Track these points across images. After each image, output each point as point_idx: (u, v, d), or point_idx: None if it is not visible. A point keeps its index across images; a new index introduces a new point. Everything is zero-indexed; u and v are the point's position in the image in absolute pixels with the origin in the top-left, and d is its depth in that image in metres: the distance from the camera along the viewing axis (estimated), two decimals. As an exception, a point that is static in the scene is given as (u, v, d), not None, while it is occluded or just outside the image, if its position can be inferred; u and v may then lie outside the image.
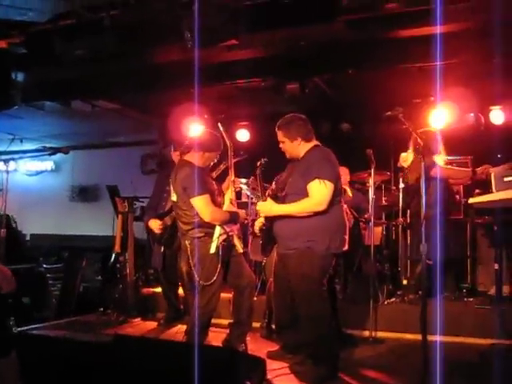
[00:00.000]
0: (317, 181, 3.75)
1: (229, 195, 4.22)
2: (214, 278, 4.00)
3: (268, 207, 3.98)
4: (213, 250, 4.01)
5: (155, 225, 5.18)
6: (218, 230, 4.04)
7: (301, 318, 3.90)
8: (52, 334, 4.20)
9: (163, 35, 4.89)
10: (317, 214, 3.78)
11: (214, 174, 4.86)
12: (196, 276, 4.06)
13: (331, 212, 3.83)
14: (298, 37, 5.04)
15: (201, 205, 3.99)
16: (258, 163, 4.49)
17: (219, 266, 4.03)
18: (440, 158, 5.35)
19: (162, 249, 5.39)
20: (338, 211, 3.93)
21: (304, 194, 3.81)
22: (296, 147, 4.00)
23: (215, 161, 4.42)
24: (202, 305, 4.10)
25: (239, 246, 4.27)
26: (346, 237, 3.97)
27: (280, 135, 4.05)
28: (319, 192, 3.75)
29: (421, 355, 3.11)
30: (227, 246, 4.07)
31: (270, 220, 4.04)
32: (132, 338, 3.79)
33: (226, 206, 4.19)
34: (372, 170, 5.25)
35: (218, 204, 4.17)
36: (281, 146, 4.09)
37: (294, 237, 3.86)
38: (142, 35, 4.98)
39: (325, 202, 3.76)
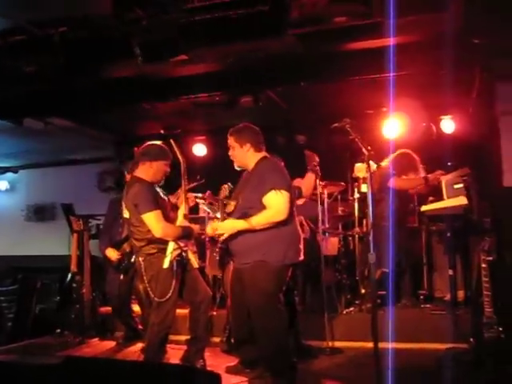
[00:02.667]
0: (273, 192, 3.77)
1: (182, 210, 4.18)
2: (169, 294, 3.96)
3: (230, 225, 3.93)
4: (166, 264, 3.97)
5: (113, 254, 5.14)
6: (171, 246, 4.01)
7: (257, 331, 3.89)
8: (2, 358, 4.07)
9: (114, 51, 4.85)
10: (274, 225, 3.80)
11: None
12: (151, 293, 4.01)
13: (286, 223, 3.85)
14: (249, 51, 5.07)
15: (152, 221, 3.95)
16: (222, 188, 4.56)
17: (173, 281, 3.99)
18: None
19: (122, 276, 5.26)
20: (292, 222, 3.95)
21: (259, 207, 3.82)
22: (245, 154, 4.02)
23: (167, 173, 4.32)
24: (158, 322, 4.05)
25: (194, 260, 4.25)
26: (301, 246, 3.98)
27: (231, 140, 4.08)
28: (277, 202, 3.78)
29: (374, 363, 3.12)
30: (181, 261, 4.04)
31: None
32: (84, 359, 3.71)
33: (179, 221, 4.16)
34: (308, 174, 5.16)
35: (170, 219, 4.12)
36: (230, 153, 4.11)
37: (248, 251, 3.86)
38: (92, 52, 4.92)
39: (285, 211, 3.79)
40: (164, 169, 4.27)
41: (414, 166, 5.69)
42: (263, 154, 4.10)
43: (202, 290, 4.31)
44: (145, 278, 4.06)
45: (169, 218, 4.10)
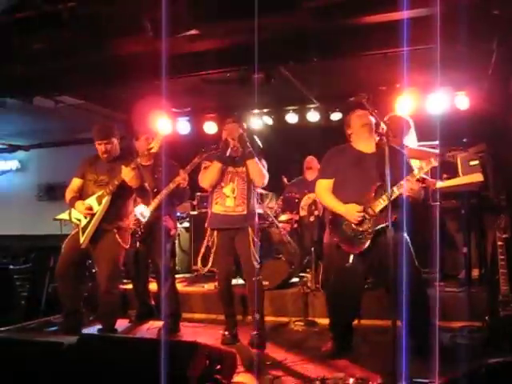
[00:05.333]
0: None
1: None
2: None
3: None
4: None
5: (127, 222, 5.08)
6: None
7: None
8: (17, 336, 4.10)
9: (123, 27, 4.78)
10: None
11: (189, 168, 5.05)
12: None
13: None
14: (261, 26, 4.97)
15: None
16: None
17: None
18: (411, 141, 5.35)
19: (138, 244, 5.26)
20: None
21: None
22: None
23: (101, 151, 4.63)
24: None
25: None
26: None
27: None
28: None
29: (390, 340, 3.11)
30: None
31: None
32: (97, 337, 3.72)
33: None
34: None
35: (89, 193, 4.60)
36: None
37: None
38: (101, 27, 4.86)
39: None
40: (97, 148, 4.63)
41: (401, 131, 5.50)
42: None
43: None
44: None
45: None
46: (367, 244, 3.89)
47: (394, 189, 3.72)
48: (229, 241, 4.53)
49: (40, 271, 6.26)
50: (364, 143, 4.14)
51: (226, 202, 4.52)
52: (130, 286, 5.91)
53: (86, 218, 4.56)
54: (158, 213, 5.04)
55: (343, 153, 4.21)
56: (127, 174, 4.39)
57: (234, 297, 4.74)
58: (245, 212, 4.50)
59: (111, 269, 4.58)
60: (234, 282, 4.98)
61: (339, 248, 4.01)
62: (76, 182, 4.76)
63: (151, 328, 5.18)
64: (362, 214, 3.89)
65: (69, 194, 4.74)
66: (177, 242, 7.19)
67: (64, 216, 4.80)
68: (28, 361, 2.86)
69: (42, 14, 4.80)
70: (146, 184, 4.79)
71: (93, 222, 4.52)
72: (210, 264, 4.59)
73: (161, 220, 5.06)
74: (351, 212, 3.92)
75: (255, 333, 4.38)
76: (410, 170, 3.88)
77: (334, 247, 4.06)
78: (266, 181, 4.62)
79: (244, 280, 4.72)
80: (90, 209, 4.54)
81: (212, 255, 4.56)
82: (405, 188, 3.69)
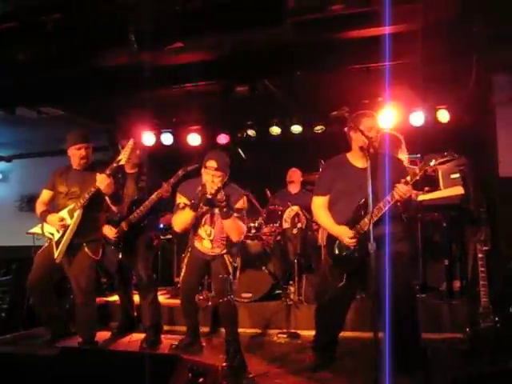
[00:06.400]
0: None
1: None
2: None
3: None
4: None
5: (110, 232, 5.05)
6: None
7: None
8: (-3, 349, 4.04)
9: (108, 39, 4.80)
10: None
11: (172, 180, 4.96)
12: None
13: None
14: (246, 39, 5.03)
15: None
16: None
17: None
18: (403, 157, 5.43)
19: (120, 255, 5.22)
20: None
21: None
22: None
23: (81, 156, 4.58)
24: None
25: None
26: None
27: None
28: None
29: (373, 352, 3.13)
30: None
31: None
32: (79, 349, 3.69)
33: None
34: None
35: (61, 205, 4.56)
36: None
37: None
38: (85, 39, 4.86)
39: None
40: (75, 153, 4.57)
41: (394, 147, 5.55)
42: None
43: None
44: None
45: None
46: (358, 262, 3.80)
47: (386, 200, 3.67)
48: (200, 260, 4.46)
49: (21, 283, 6.17)
50: (355, 154, 3.94)
51: (203, 243, 4.38)
52: (112, 298, 5.86)
53: (58, 232, 4.53)
54: (140, 224, 5.03)
55: (336, 167, 4.06)
56: (103, 180, 4.31)
57: (195, 311, 4.74)
58: (223, 252, 4.37)
59: (85, 281, 4.56)
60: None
61: (332, 267, 3.98)
62: (46, 194, 4.73)
63: (133, 340, 5.13)
64: (354, 240, 3.75)
65: (39, 206, 4.70)
66: (159, 253, 7.16)
67: (36, 230, 4.76)
68: (7, 374, 2.82)
69: (25, 25, 4.79)
70: (123, 192, 4.84)
71: (66, 235, 4.48)
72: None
73: (143, 231, 5.07)
74: (343, 236, 3.80)
75: (232, 356, 4.20)
76: (405, 174, 3.74)
77: (327, 265, 4.04)
78: (243, 236, 4.41)
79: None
80: (63, 221, 4.50)
81: (181, 269, 4.56)
82: (398, 194, 3.60)
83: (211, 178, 4.09)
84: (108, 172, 4.33)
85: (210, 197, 4.02)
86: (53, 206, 4.69)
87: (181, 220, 4.27)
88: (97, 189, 4.38)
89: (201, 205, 4.14)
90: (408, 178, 3.63)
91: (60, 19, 4.71)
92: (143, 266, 5.02)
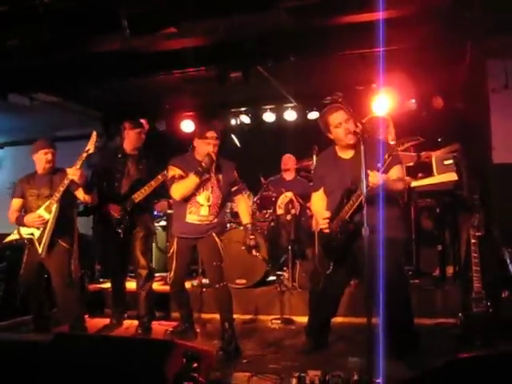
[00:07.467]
0: None
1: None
2: None
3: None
4: None
5: (115, 209, 5.04)
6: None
7: None
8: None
9: (100, 24, 4.74)
10: None
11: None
12: None
13: None
14: (239, 25, 4.98)
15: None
16: None
17: None
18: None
19: (122, 234, 5.13)
20: None
21: None
22: None
23: (48, 160, 4.75)
24: None
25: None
26: None
27: None
28: None
29: (366, 336, 3.15)
30: None
31: None
32: (73, 335, 3.69)
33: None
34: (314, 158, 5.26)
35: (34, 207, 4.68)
36: None
37: None
38: (78, 24, 4.80)
39: None
40: (42, 158, 4.76)
41: (380, 130, 5.52)
42: None
43: None
44: None
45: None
46: (342, 250, 3.89)
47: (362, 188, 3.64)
48: (187, 249, 4.52)
49: (15, 270, 6.16)
50: (342, 146, 4.00)
51: (201, 211, 4.39)
52: (106, 286, 5.86)
53: (38, 229, 4.66)
54: (141, 207, 5.07)
55: (325, 160, 4.21)
56: (74, 172, 4.48)
57: (187, 300, 4.80)
58: (215, 221, 4.44)
59: (66, 269, 4.80)
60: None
61: (321, 254, 4.05)
62: (17, 203, 4.87)
63: (128, 326, 5.15)
64: (325, 221, 3.86)
65: (12, 214, 4.85)
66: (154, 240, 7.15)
67: (14, 237, 4.89)
68: (3, 360, 2.83)
69: (16, 9, 4.72)
70: (124, 171, 5.08)
71: (47, 230, 4.63)
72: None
73: (144, 214, 5.12)
74: (319, 218, 4.00)
75: (227, 342, 4.25)
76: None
77: (319, 253, 4.12)
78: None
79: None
80: (41, 217, 4.64)
81: (169, 259, 4.63)
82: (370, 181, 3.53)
83: (212, 147, 4.31)
84: (79, 163, 4.50)
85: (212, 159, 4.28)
86: (25, 211, 4.83)
87: (184, 187, 4.34)
88: (70, 180, 4.54)
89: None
90: (379, 165, 3.64)
91: (51, 3, 4.64)
92: (142, 253, 5.10)
